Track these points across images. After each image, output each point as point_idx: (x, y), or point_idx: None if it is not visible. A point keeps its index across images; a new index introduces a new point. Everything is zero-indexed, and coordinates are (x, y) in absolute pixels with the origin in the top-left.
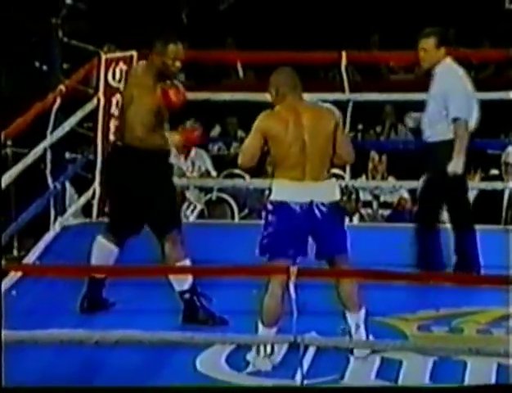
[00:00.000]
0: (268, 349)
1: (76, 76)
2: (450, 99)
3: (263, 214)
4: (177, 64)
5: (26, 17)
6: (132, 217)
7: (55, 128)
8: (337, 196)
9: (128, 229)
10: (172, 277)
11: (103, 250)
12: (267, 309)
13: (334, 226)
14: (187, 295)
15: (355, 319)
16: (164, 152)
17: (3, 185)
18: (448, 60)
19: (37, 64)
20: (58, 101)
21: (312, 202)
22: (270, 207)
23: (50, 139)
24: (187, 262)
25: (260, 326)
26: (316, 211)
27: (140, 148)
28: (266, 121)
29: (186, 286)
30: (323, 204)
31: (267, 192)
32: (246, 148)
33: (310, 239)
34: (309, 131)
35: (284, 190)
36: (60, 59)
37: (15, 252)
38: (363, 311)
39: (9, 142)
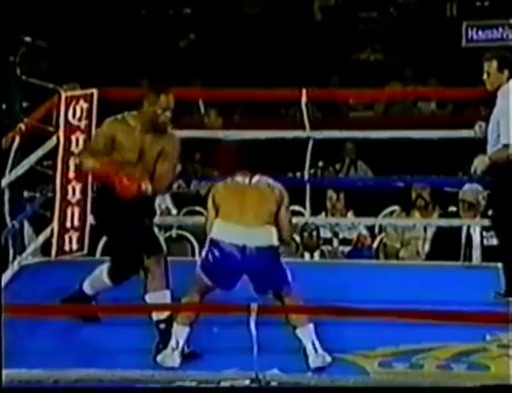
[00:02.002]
0: (175, 343)
1: (36, 114)
2: (501, 123)
3: (205, 247)
4: (168, 114)
5: None
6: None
7: (13, 166)
8: (272, 241)
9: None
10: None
11: (99, 279)
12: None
13: (269, 267)
14: (163, 326)
15: (307, 334)
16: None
17: None
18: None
19: None
20: (17, 139)
21: (245, 246)
22: (209, 243)
23: (8, 178)
24: (167, 292)
25: (175, 324)
26: (249, 254)
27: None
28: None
29: (163, 316)
30: (257, 248)
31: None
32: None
33: (246, 277)
34: (250, 192)
35: (222, 230)
36: (19, 97)
37: None
38: (311, 325)
39: None
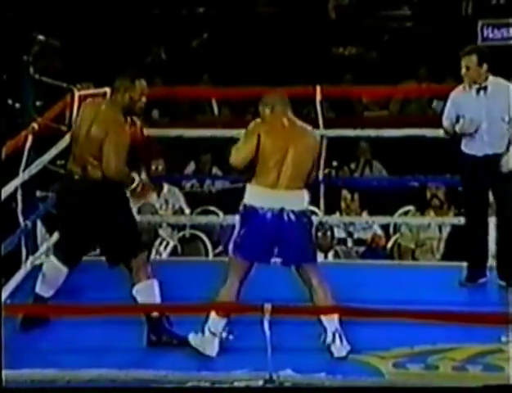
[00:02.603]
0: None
1: (49, 114)
2: None
3: (237, 215)
4: (144, 99)
5: None
6: (87, 241)
7: (27, 166)
8: (306, 206)
9: (82, 253)
10: (140, 298)
11: (54, 270)
12: (222, 300)
13: (302, 235)
14: (155, 314)
15: (333, 323)
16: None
17: None
18: (493, 77)
19: (9, 101)
20: (30, 139)
21: (282, 209)
22: (242, 210)
23: (22, 177)
24: (155, 282)
25: (213, 314)
26: (286, 218)
27: (105, 180)
28: (261, 126)
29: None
30: (293, 212)
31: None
32: (241, 148)
33: (277, 245)
34: (293, 143)
35: (257, 195)
36: (32, 96)
37: None
38: (336, 314)
39: None
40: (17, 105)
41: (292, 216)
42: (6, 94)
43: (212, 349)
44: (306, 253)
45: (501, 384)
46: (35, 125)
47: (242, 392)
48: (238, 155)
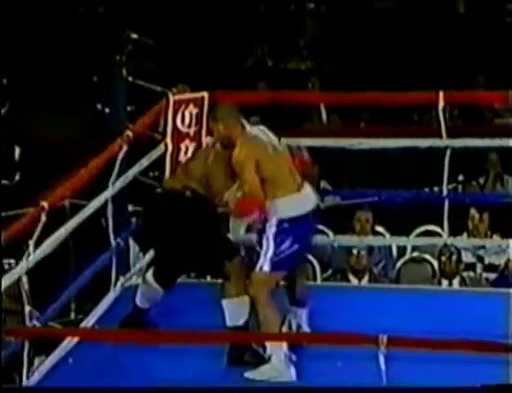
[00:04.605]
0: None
1: (144, 120)
2: None
3: (273, 233)
4: None
5: (87, 53)
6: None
7: (118, 177)
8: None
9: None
10: (227, 311)
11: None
12: (273, 325)
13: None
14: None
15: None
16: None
17: (58, 241)
18: None
19: (99, 106)
20: (125, 148)
21: (312, 208)
22: (282, 225)
23: (112, 190)
24: (246, 298)
25: (270, 348)
26: (311, 217)
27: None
28: (250, 149)
29: (239, 322)
30: (313, 210)
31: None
32: (253, 183)
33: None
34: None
35: (291, 205)
36: (124, 101)
37: (72, 315)
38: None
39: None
40: (107, 110)
41: (312, 214)
42: (96, 98)
43: (289, 374)
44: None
45: (501, 384)
46: (130, 133)
47: (242, 392)
48: (257, 193)
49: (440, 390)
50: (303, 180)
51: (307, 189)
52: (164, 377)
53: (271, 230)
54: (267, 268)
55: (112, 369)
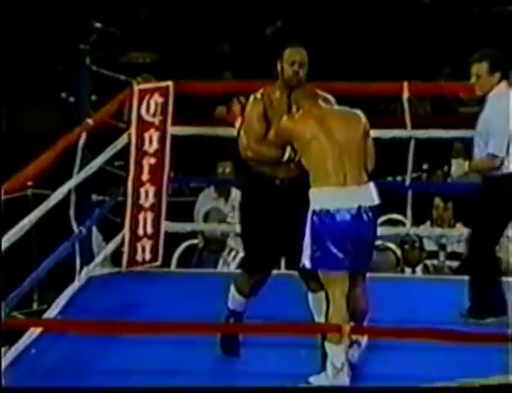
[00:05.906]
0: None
1: (107, 109)
2: (490, 133)
3: (309, 226)
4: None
5: (51, 42)
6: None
7: (81, 167)
8: (378, 200)
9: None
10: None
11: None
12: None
13: (374, 235)
14: None
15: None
16: None
17: (22, 231)
18: (503, 86)
19: (63, 95)
20: (84, 136)
21: (360, 207)
22: (316, 218)
23: (75, 179)
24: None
25: (329, 345)
26: (364, 217)
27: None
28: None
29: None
30: (370, 208)
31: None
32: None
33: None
34: (342, 136)
35: (328, 197)
36: (88, 90)
37: (35, 306)
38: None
39: (30, 183)
40: (71, 98)
41: (370, 213)
42: (61, 87)
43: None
44: (368, 260)
45: (501, 383)
46: (90, 121)
47: (246, 392)
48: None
49: (440, 389)
50: (361, 177)
51: (362, 188)
52: (127, 366)
53: (308, 222)
54: (308, 264)
55: (76, 359)
